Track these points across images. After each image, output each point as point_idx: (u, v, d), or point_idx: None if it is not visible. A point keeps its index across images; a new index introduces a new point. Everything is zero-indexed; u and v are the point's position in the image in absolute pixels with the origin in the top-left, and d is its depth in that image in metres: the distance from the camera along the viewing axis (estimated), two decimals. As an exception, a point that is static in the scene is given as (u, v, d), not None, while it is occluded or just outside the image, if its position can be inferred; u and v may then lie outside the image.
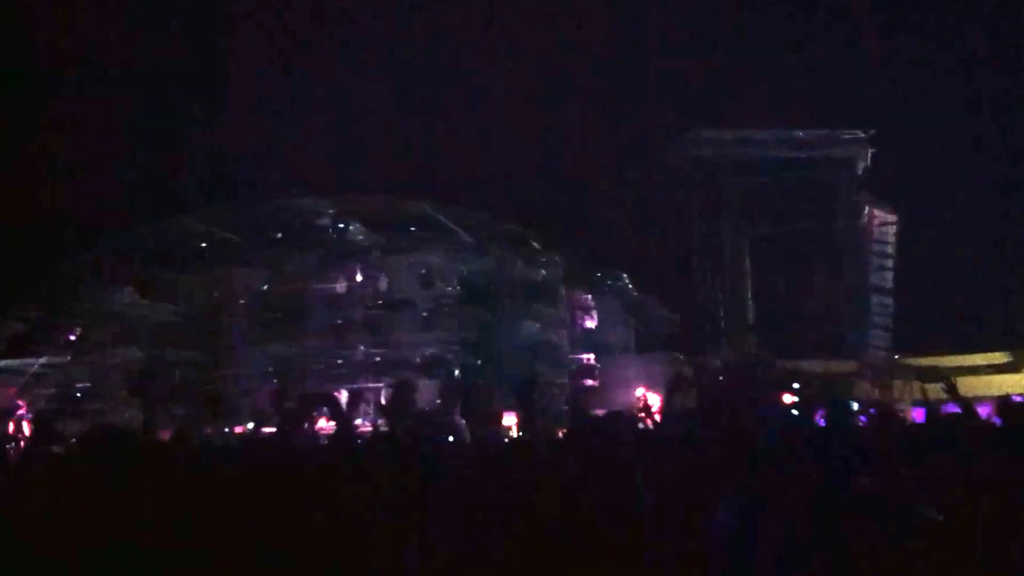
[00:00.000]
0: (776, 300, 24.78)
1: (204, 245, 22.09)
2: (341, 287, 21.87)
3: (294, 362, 21.28)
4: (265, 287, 22.12)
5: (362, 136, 24.52)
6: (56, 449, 8.31)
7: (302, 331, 21.66)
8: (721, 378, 21.00)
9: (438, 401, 18.42)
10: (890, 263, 24.60)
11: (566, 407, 19.97)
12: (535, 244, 22.45)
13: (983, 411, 7.44)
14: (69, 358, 20.66)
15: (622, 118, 25.70)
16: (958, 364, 22.23)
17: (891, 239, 24.55)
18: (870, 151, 24.15)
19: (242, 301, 21.97)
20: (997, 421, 7.42)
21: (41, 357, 20.04)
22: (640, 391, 19.09)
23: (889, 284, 24.60)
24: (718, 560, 6.01)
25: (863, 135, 24.21)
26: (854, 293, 24.76)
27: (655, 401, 17.15)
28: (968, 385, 21.59)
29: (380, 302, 21.87)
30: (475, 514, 6.34)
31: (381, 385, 20.40)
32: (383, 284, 21.89)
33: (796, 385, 18.22)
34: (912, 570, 6.03)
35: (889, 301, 24.49)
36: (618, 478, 6.39)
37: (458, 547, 6.06)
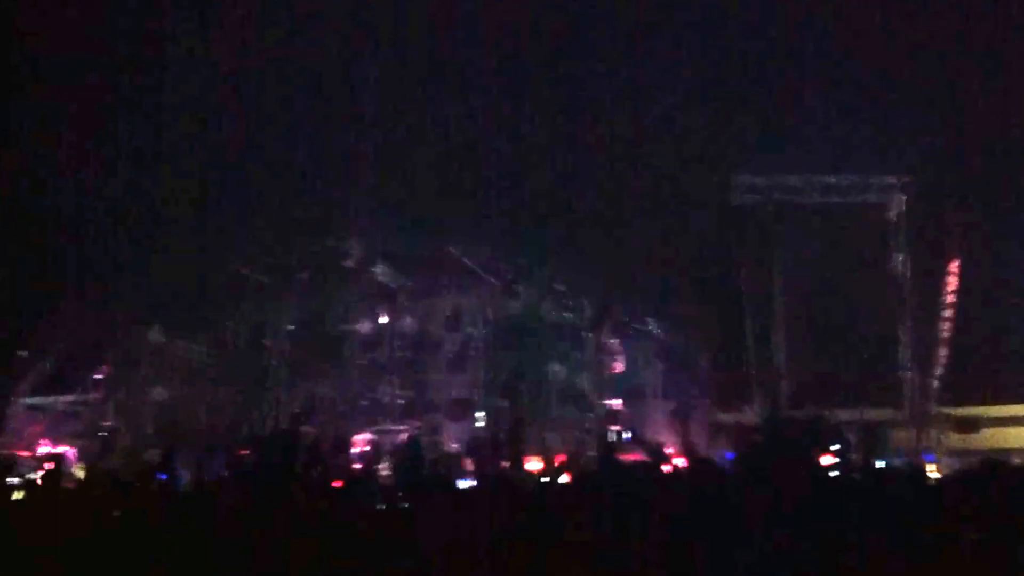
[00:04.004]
0: (810, 347, 24.34)
1: (238, 284, 22.06)
2: (367, 328, 21.80)
3: (323, 402, 21.24)
4: (292, 327, 22.11)
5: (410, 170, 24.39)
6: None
7: (330, 371, 21.62)
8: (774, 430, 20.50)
9: (454, 446, 18.26)
10: (946, 313, 23.86)
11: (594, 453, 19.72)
12: (562, 288, 22.27)
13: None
14: (98, 396, 20.70)
15: (664, 165, 25.53)
16: (996, 415, 21.72)
17: (946, 289, 23.86)
18: (903, 198, 23.81)
19: (266, 341, 21.97)
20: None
21: (68, 395, 20.10)
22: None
23: (946, 333, 23.87)
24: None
25: (896, 181, 23.88)
26: (890, 340, 24.26)
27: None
28: (1004, 437, 21.14)
29: (407, 344, 21.77)
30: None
31: (404, 428, 20.27)
32: (411, 326, 21.78)
33: (836, 447, 17.54)
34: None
35: (944, 351, 23.83)
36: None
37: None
